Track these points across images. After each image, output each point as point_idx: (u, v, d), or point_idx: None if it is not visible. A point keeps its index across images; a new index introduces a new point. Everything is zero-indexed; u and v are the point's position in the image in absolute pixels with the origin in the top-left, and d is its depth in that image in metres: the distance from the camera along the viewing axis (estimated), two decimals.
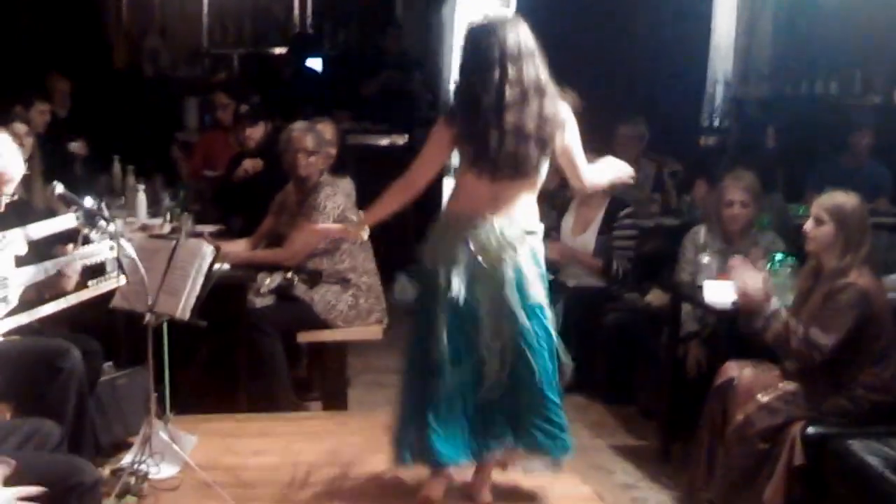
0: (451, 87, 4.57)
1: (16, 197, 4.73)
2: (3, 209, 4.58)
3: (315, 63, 11.78)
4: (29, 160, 6.46)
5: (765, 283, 4.99)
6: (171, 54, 12.17)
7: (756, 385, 4.98)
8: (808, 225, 4.98)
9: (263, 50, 12.29)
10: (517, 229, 4.54)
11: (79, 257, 4.59)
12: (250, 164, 7.41)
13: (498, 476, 4.93)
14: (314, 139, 6.22)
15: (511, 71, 4.41)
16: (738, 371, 5.11)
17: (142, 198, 7.18)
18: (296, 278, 6.13)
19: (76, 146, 8.15)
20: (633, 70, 8.72)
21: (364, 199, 6.08)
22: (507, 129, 4.40)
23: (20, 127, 6.66)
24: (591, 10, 8.77)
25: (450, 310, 4.51)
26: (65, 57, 9.93)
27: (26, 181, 6.44)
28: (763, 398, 4.90)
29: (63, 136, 8.39)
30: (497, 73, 4.41)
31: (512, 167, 4.46)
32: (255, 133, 7.65)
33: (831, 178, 6.71)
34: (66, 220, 4.67)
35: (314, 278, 6.13)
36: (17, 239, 4.33)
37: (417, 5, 12.09)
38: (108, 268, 4.86)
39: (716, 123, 9.97)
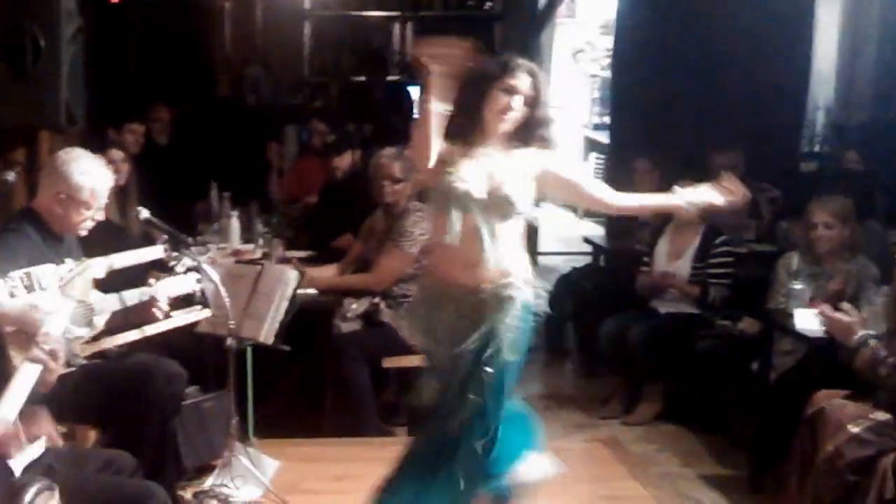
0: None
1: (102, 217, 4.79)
2: (86, 233, 4.64)
3: (413, 90, 11.83)
4: (125, 186, 6.61)
5: (851, 315, 4.89)
6: (272, 83, 12.31)
7: (847, 415, 4.85)
8: None
9: (361, 78, 12.34)
10: None
11: (162, 289, 4.65)
12: None
13: None
14: (402, 167, 6.24)
15: None
16: (829, 401, 5.00)
17: (235, 224, 7.24)
18: (382, 303, 6.15)
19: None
20: (732, 96, 8.61)
21: None
22: None
23: (116, 153, 6.75)
24: (690, 36, 8.69)
25: None
26: (168, 85, 10.08)
27: (122, 208, 6.59)
28: (853, 429, 4.76)
29: (162, 163, 8.45)
30: None
31: None
32: (342, 163, 7.76)
33: None
34: (153, 252, 4.74)
35: (401, 303, 6.14)
36: (98, 265, 4.36)
37: (517, 32, 12.07)
38: (196, 297, 4.94)
39: (816, 149, 9.81)
